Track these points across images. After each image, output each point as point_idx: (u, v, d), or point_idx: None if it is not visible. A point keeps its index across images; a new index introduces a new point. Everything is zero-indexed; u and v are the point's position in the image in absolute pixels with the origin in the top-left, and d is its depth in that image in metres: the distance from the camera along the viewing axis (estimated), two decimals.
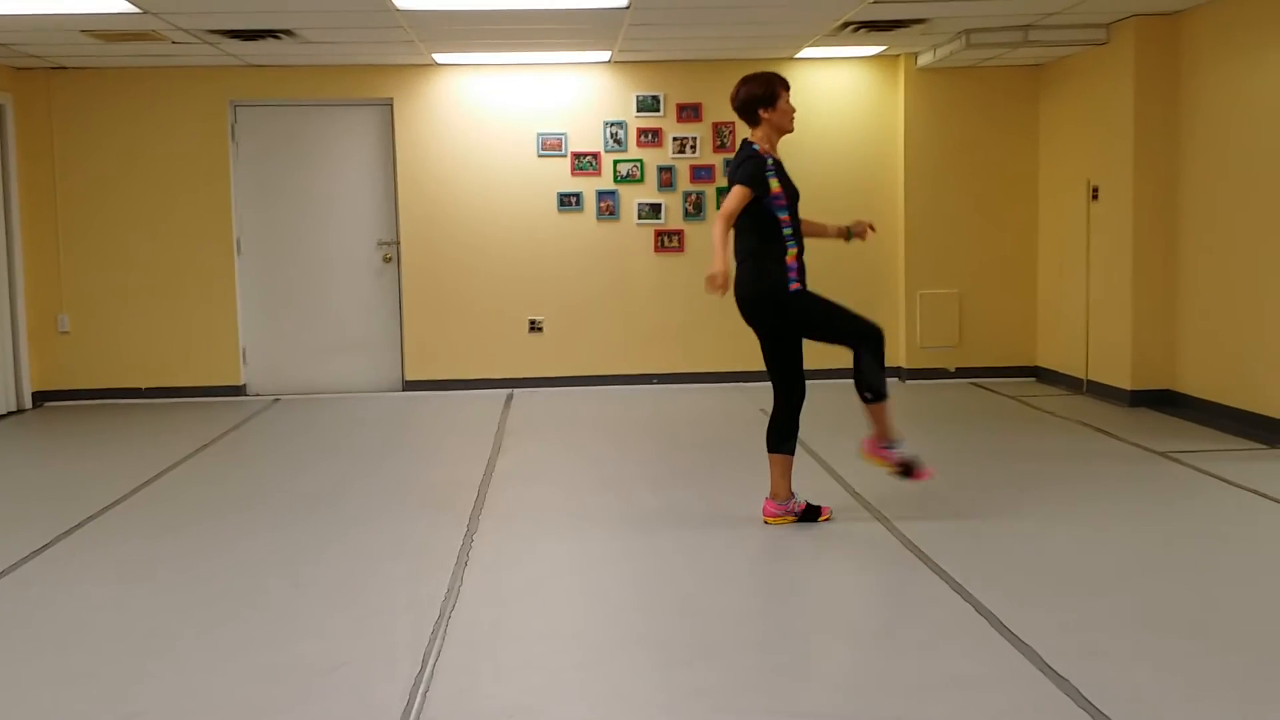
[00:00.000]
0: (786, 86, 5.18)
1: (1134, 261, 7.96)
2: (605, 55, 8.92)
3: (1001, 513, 5.44)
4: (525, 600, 4.41)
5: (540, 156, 9.29)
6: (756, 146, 5.09)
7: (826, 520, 5.27)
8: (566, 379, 9.38)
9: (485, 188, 9.34)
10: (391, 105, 9.29)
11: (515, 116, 9.31)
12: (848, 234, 5.55)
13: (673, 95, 9.34)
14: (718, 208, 9.26)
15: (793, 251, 5.06)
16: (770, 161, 5.05)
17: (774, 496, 5.24)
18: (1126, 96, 7.95)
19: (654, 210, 9.36)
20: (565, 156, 9.24)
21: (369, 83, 9.24)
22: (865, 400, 5.15)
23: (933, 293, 9.43)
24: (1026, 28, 7.91)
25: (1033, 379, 9.48)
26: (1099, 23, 8.00)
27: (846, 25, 7.83)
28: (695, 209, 9.40)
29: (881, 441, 5.22)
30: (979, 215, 9.45)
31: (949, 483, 6.13)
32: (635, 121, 9.32)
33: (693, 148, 9.38)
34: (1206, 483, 5.90)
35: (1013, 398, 8.66)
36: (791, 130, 5.23)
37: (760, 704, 3.38)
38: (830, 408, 8.42)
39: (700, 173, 9.39)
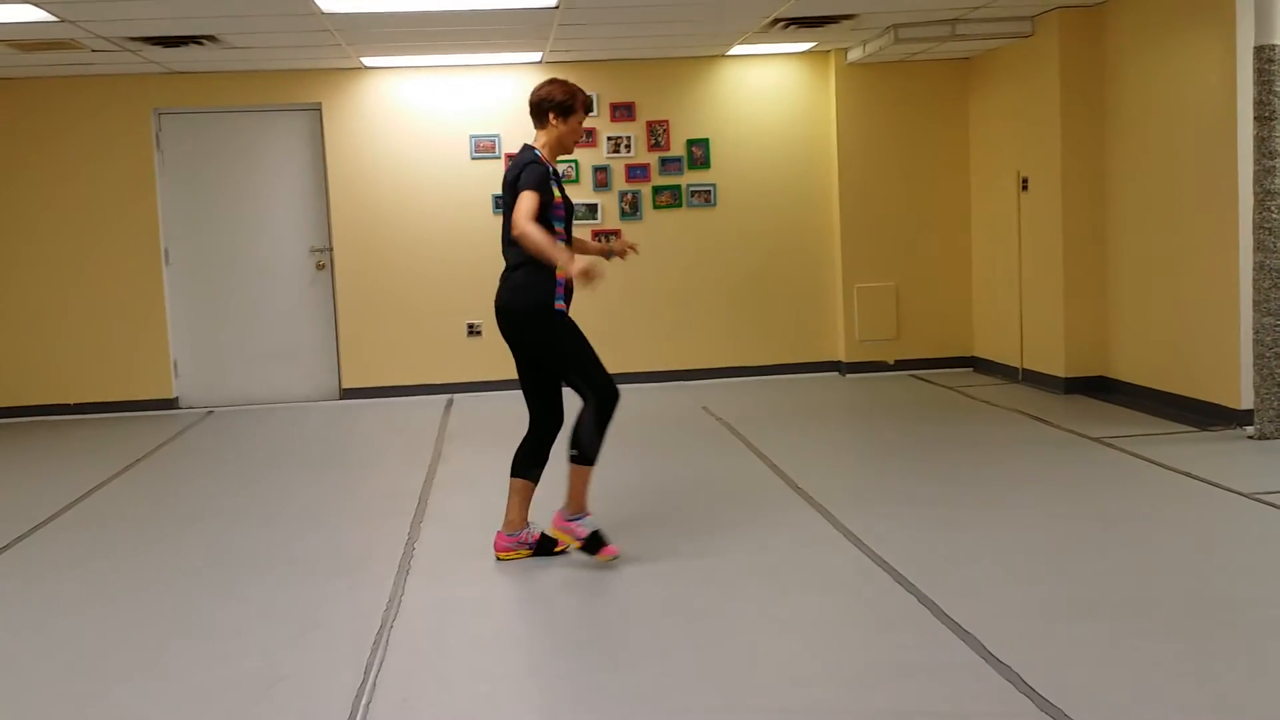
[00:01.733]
0: (588, 108, 4.95)
1: (1064, 250, 8.06)
2: (537, 56, 8.87)
3: (940, 502, 5.48)
4: (468, 608, 4.36)
5: (474, 159, 9.22)
6: (539, 153, 4.79)
7: (562, 552, 4.89)
8: (507, 383, 9.29)
9: (419, 191, 9.26)
10: (320, 110, 9.18)
11: (447, 119, 9.24)
12: (609, 254, 5.21)
13: (606, 95, 9.31)
14: (654, 206, 9.39)
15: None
16: (550, 170, 4.75)
17: (508, 528, 4.88)
18: (1052, 88, 8.05)
19: (590, 210, 9.33)
20: (499, 158, 9.18)
21: (296, 88, 9.12)
22: (571, 458, 4.78)
23: (870, 286, 9.49)
24: (954, 21, 7.97)
25: (970, 369, 9.57)
26: (1024, 15, 8.10)
27: (776, 22, 7.85)
28: (631, 208, 9.38)
29: (569, 513, 4.82)
30: (913, 208, 9.53)
31: (889, 474, 6.17)
32: None
33: (627, 147, 9.36)
34: (1140, 466, 5.98)
35: (950, 388, 8.74)
36: (571, 150, 4.97)
37: (707, 701, 3.37)
38: (773, 404, 8.45)
39: (635, 171, 9.37)
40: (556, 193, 4.76)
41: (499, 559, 4.87)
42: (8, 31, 7.06)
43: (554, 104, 4.84)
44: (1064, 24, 7.93)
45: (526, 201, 4.58)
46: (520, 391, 4.94)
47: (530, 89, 4.96)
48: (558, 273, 4.67)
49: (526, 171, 4.69)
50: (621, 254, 5.21)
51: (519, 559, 4.87)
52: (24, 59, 7.98)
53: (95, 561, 5.13)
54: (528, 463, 4.87)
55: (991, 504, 5.41)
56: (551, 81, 4.94)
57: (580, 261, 4.51)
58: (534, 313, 4.73)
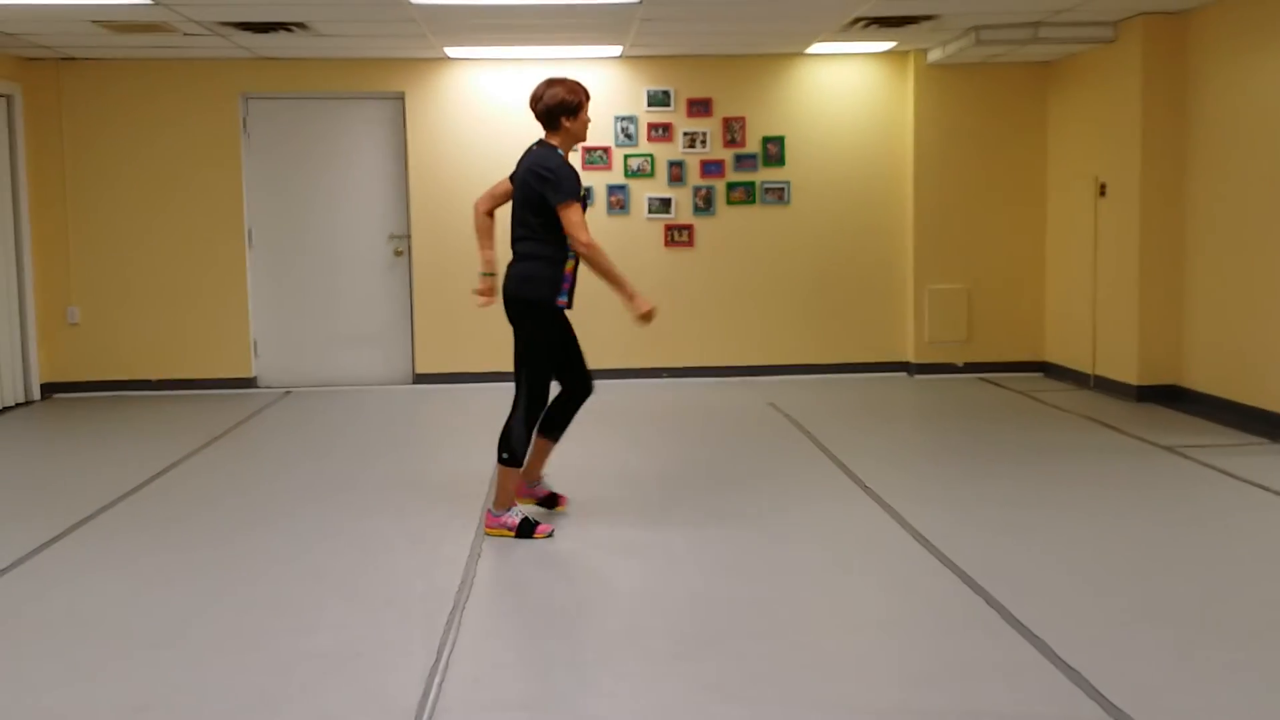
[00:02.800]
0: (589, 97, 5.06)
1: (1141, 257, 7.98)
2: (617, 50, 8.93)
3: (1009, 504, 5.47)
4: (537, 592, 4.44)
5: None
6: (560, 152, 4.98)
7: (544, 538, 5.05)
8: None
9: (496, 182, 9.33)
10: (403, 99, 9.31)
11: (526, 111, 9.17)
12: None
13: (683, 90, 9.36)
14: (728, 202, 9.41)
15: (571, 263, 4.95)
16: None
17: (497, 505, 5.11)
18: (1134, 94, 7.97)
19: (664, 205, 9.38)
20: (576, 151, 9.24)
21: (381, 76, 9.26)
22: (502, 460, 5.03)
23: (941, 288, 9.45)
24: (1036, 25, 7.92)
25: (1040, 374, 9.50)
26: (1107, 20, 8.02)
27: (857, 21, 7.85)
28: (705, 203, 9.42)
29: (497, 508, 5.09)
30: (988, 211, 9.47)
31: (958, 475, 6.16)
32: (646, 116, 9.34)
33: (703, 142, 9.40)
34: (1212, 477, 5.93)
35: (1020, 393, 8.68)
36: (585, 140, 5.17)
37: (771, 694, 3.41)
38: (840, 402, 8.45)
39: (710, 167, 9.40)
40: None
41: (486, 533, 5.11)
42: (102, 12, 7.25)
43: (564, 106, 4.97)
44: (1148, 30, 7.85)
45: (578, 215, 4.82)
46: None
47: (608, 84, 5.04)
48: (565, 267, 4.91)
49: (563, 176, 4.86)
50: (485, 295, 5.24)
51: (499, 536, 5.10)
52: (116, 40, 8.19)
53: (175, 534, 5.28)
54: (509, 442, 5.05)
55: (1061, 508, 5.39)
56: (551, 83, 5.02)
57: (646, 302, 4.88)
58: (537, 302, 4.94)
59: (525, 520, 5.08)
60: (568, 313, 5.07)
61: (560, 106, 4.97)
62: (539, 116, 5.04)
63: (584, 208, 4.94)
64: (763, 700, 3.37)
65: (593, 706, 3.40)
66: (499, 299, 5.11)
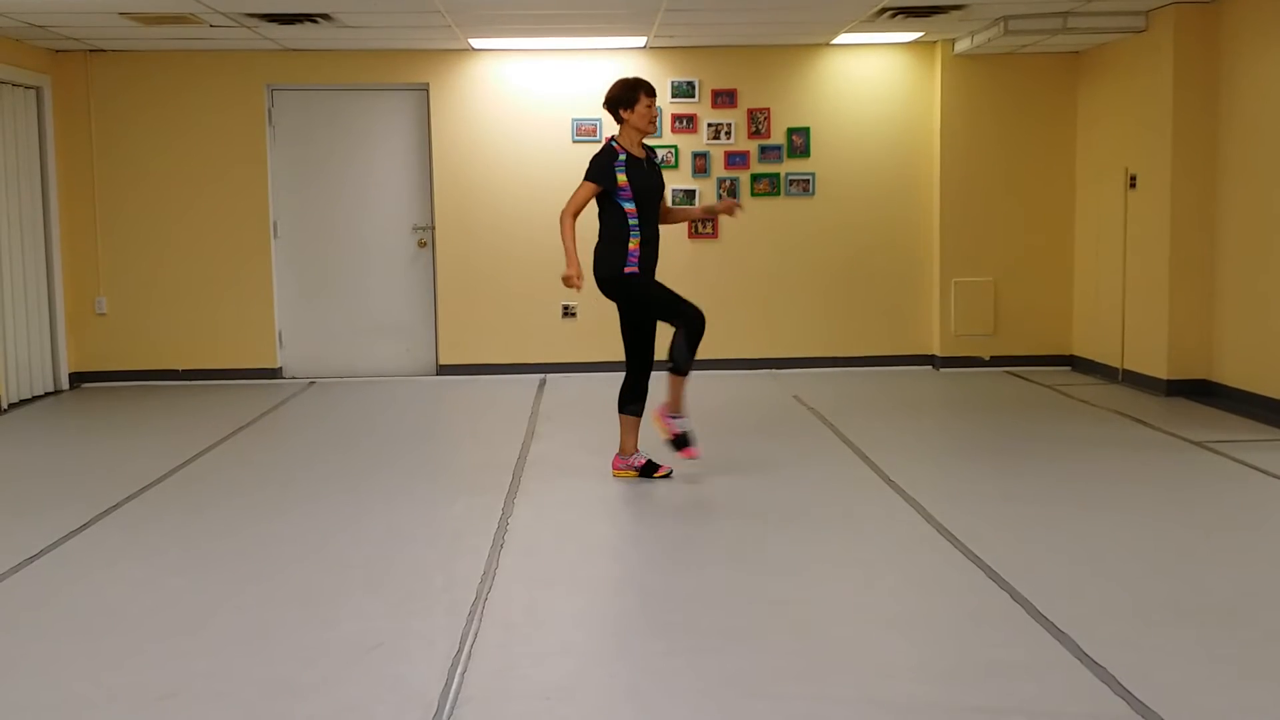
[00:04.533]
0: (650, 93, 5.66)
1: (1171, 250, 7.90)
2: (641, 41, 8.91)
3: (1036, 500, 5.43)
4: (560, 583, 4.43)
5: (575, 142, 9.29)
6: (615, 144, 5.64)
7: (664, 476, 5.83)
8: (599, 364, 9.38)
9: (520, 173, 9.36)
10: (428, 90, 9.32)
11: (550, 102, 9.32)
12: (712, 212, 6.33)
13: (708, 81, 9.32)
14: (752, 193, 9.38)
15: (635, 240, 5.60)
16: (622, 158, 5.59)
17: (620, 452, 5.89)
18: (1165, 85, 7.88)
19: (688, 196, 9.35)
20: (600, 142, 9.22)
21: (405, 68, 9.27)
22: (669, 369, 5.67)
23: (968, 280, 9.39)
24: (1065, 14, 7.85)
25: (1068, 368, 9.43)
26: (1138, 10, 7.93)
27: (884, 11, 7.79)
28: (729, 195, 9.38)
29: (668, 411, 5.79)
30: (1015, 203, 9.40)
31: (984, 469, 6.12)
32: (670, 107, 9.31)
33: (727, 134, 9.36)
34: (1243, 472, 5.86)
35: (1048, 386, 8.62)
36: (650, 131, 5.71)
37: (794, 689, 3.39)
38: (865, 395, 8.41)
39: (735, 159, 9.37)
40: (622, 178, 5.55)
41: (614, 475, 5.89)
42: (131, 4, 7.27)
43: (618, 101, 5.65)
44: (1179, 20, 7.76)
45: (581, 193, 5.61)
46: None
47: (633, 73, 5.80)
48: (630, 244, 5.59)
49: (594, 162, 5.62)
50: (728, 211, 6.06)
51: (626, 478, 5.85)
52: (144, 32, 8.22)
53: (200, 523, 5.30)
54: (626, 399, 5.81)
55: (1089, 504, 5.34)
56: (613, 84, 5.72)
57: (567, 268, 5.58)
58: (611, 278, 5.66)
59: (684, 435, 5.80)
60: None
61: (613, 101, 5.67)
62: (609, 114, 5.75)
63: (641, 191, 5.62)
64: (786, 695, 3.35)
65: (614, 698, 3.39)
66: (732, 209, 6.08)
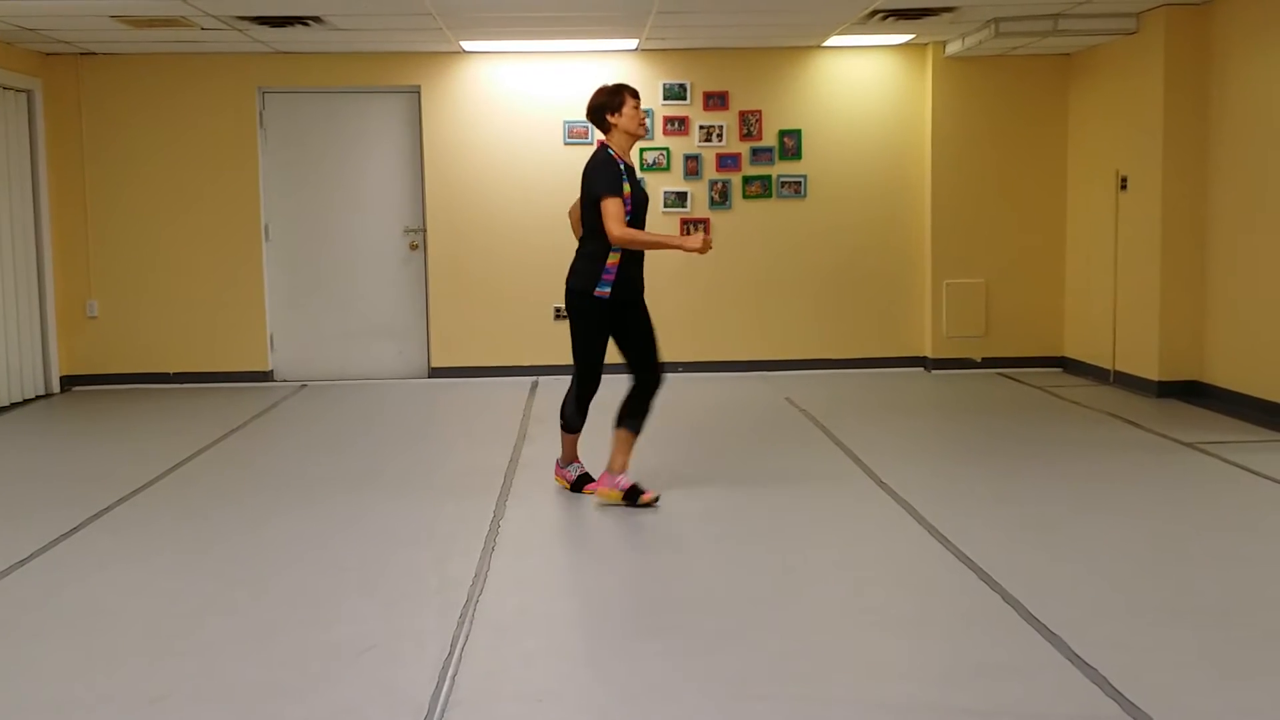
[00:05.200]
0: (635, 95, 5.42)
1: (1162, 252, 7.92)
2: (633, 43, 8.91)
3: (1027, 501, 5.43)
4: (551, 586, 4.43)
5: (567, 144, 9.30)
6: (611, 151, 5.35)
7: (651, 504, 5.40)
8: None
9: (512, 175, 9.36)
10: (419, 93, 9.31)
11: (542, 104, 9.32)
12: (682, 247, 5.34)
13: (699, 84, 9.33)
14: (744, 196, 9.37)
15: (615, 256, 5.27)
16: (622, 166, 5.30)
17: (609, 469, 5.44)
18: (1156, 86, 7.90)
19: (680, 199, 9.36)
20: (591, 144, 9.23)
21: (396, 70, 9.26)
22: (629, 428, 5.40)
23: (959, 282, 9.40)
24: (1056, 16, 7.86)
25: (1059, 369, 9.44)
26: (1129, 12, 7.95)
27: (875, 13, 7.80)
28: (721, 197, 9.39)
29: (563, 461, 5.67)
30: (1006, 205, 9.42)
31: (976, 471, 6.12)
32: (662, 110, 9.32)
33: (719, 136, 9.37)
34: (1234, 474, 5.88)
35: (1039, 388, 8.63)
36: (641, 134, 5.45)
37: (787, 691, 3.39)
38: (857, 398, 8.42)
39: (726, 161, 9.38)
40: (627, 187, 5.25)
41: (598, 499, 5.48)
42: (122, 7, 7.26)
43: (604, 106, 5.38)
44: (1170, 22, 7.78)
45: (613, 208, 5.19)
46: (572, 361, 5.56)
47: (625, 75, 5.40)
48: (609, 260, 5.23)
49: (601, 175, 5.25)
50: (700, 249, 5.26)
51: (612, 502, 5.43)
52: (135, 35, 8.20)
53: (191, 526, 5.29)
54: (622, 413, 5.42)
55: (1080, 506, 5.35)
56: (596, 90, 5.46)
57: (693, 240, 5.20)
58: (580, 293, 5.34)
59: (633, 486, 5.38)
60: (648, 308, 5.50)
61: (599, 109, 5.40)
62: (593, 123, 5.46)
63: (637, 202, 5.31)
64: (779, 697, 3.35)
65: (607, 700, 3.39)
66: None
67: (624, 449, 5.41)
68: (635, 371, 5.44)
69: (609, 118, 5.40)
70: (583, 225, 5.42)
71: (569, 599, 4.30)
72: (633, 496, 5.37)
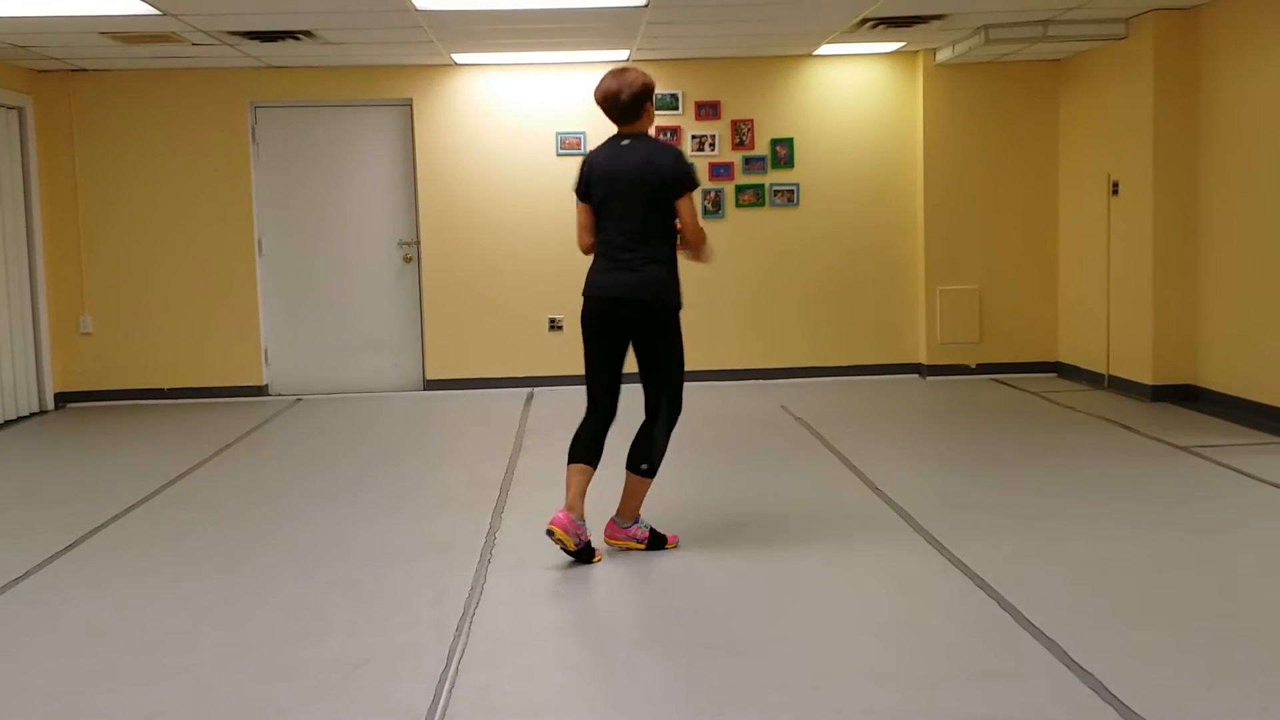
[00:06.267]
0: None
1: (1155, 256, 7.93)
2: (624, 54, 8.92)
3: (1024, 508, 5.43)
4: (548, 599, 4.42)
5: (559, 156, 9.31)
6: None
7: (674, 548, 4.94)
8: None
9: (505, 187, 9.36)
10: (411, 105, 9.32)
11: (534, 116, 9.33)
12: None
13: (691, 93, 9.34)
14: (737, 205, 9.38)
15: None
16: None
17: (619, 516, 4.90)
18: (1146, 91, 7.93)
19: None
20: (583, 155, 9.23)
21: (388, 83, 9.27)
22: (641, 472, 4.80)
23: (953, 289, 9.41)
24: (1045, 23, 7.88)
25: (1054, 374, 9.45)
26: (1118, 17, 7.98)
27: (865, 22, 7.82)
28: (714, 207, 9.40)
29: (625, 520, 4.86)
30: (999, 211, 9.43)
31: (971, 478, 6.12)
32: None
33: (711, 145, 9.38)
34: (1229, 477, 5.88)
35: (1034, 393, 8.64)
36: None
37: (782, 699, 3.39)
38: (852, 405, 8.42)
39: (719, 170, 9.39)
40: None
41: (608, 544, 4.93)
42: (112, 24, 7.27)
43: (650, 91, 4.66)
44: (1159, 26, 7.80)
45: (693, 203, 4.71)
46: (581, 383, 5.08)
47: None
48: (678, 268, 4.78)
49: (685, 167, 4.68)
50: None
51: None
52: (125, 51, 8.21)
53: (187, 542, 5.28)
54: (636, 454, 4.87)
55: (1075, 511, 5.35)
56: (619, 74, 4.64)
57: (709, 250, 4.85)
58: (674, 308, 4.87)
59: (654, 532, 4.89)
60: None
61: (647, 89, 4.63)
62: (623, 110, 4.63)
63: None
64: (773, 705, 3.35)
65: (603, 714, 3.38)
66: None
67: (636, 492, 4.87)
68: (614, 401, 5.04)
69: (648, 104, 4.67)
70: (640, 229, 4.66)
71: (564, 611, 4.30)
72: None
